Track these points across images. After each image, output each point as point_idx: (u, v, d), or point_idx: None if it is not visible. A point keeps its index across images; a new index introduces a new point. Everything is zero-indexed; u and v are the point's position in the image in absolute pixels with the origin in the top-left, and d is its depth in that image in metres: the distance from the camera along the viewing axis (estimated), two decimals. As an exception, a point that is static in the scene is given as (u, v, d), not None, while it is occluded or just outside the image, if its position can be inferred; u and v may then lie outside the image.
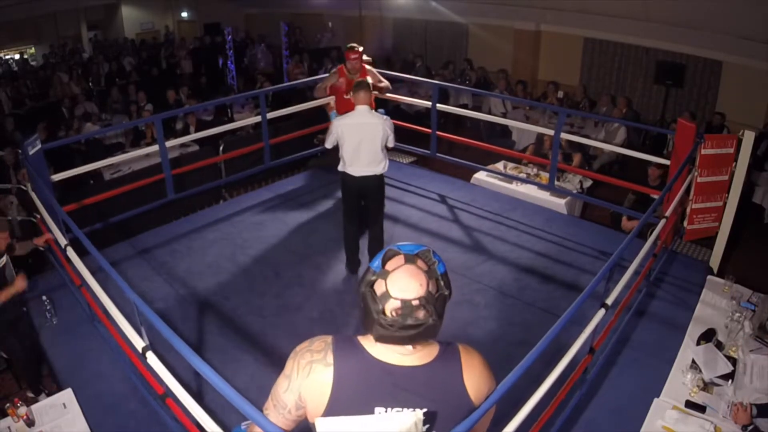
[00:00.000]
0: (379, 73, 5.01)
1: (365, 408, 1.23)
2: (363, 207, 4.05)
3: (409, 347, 1.25)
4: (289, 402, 1.30)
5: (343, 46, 12.11)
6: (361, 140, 3.70)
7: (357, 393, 1.24)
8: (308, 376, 1.26)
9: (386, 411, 1.23)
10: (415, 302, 1.19)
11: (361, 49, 4.69)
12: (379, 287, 1.23)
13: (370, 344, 1.28)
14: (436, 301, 1.23)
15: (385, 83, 4.98)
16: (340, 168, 3.90)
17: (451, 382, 1.28)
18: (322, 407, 1.25)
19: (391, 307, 1.20)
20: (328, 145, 3.91)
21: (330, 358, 1.26)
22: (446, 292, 1.26)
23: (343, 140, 3.74)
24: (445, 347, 1.32)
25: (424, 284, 1.21)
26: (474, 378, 1.30)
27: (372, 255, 3.97)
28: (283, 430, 1.34)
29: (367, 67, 4.83)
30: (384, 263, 1.25)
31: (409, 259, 1.25)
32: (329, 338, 1.31)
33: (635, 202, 4.97)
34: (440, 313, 1.24)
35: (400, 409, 1.23)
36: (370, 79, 4.23)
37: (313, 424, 1.25)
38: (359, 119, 3.69)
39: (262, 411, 1.40)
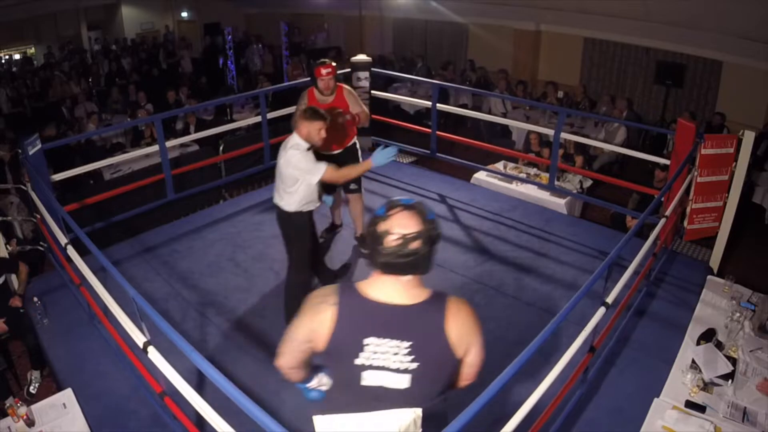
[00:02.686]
0: (378, 73, 4.74)
1: (359, 338, 1.49)
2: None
3: (405, 279, 1.51)
4: (300, 336, 1.59)
5: (342, 45, 12.19)
6: (277, 166, 3.38)
7: (354, 326, 1.51)
8: (316, 315, 1.53)
9: (377, 340, 1.48)
10: (411, 236, 1.47)
11: (334, 64, 3.84)
12: (382, 227, 1.51)
13: (368, 287, 1.55)
14: (429, 236, 1.51)
15: (364, 111, 4.01)
16: None
17: (433, 322, 1.51)
18: (326, 338, 1.51)
19: (391, 239, 1.48)
20: None
21: (333, 299, 1.53)
22: (436, 232, 1.54)
23: None
24: (437, 293, 1.57)
25: (418, 223, 1.50)
26: (456, 324, 1.52)
27: (285, 308, 3.50)
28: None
29: (347, 88, 4.02)
30: (387, 210, 1.53)
31: (407, 207, 1.54)
32: (336, 285, 1.59)
33: (639, 203, 4.98)
34: (432, 246, 1.53)
35: (389, 339, 1.48)
36: (349, 103, 3.87)
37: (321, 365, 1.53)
38: (284, 145, 3.34)
39: (275, 364, 1.69)
